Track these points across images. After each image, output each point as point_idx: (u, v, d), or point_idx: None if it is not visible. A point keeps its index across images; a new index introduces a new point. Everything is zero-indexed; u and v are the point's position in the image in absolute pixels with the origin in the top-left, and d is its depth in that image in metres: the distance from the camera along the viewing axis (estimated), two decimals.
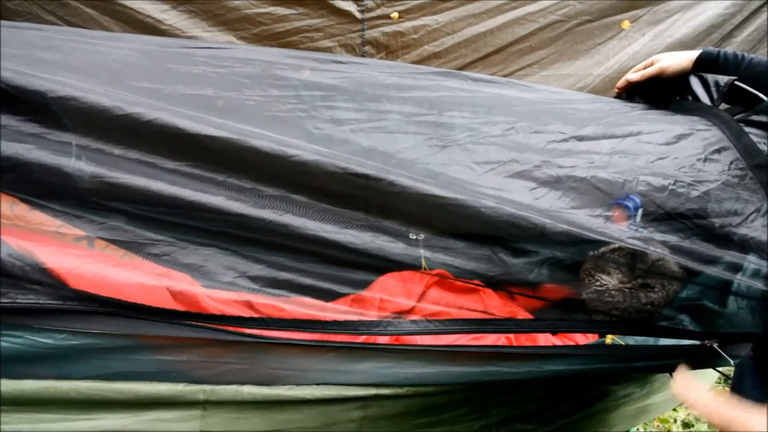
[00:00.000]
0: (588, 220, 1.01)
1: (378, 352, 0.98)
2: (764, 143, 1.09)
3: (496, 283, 1.17)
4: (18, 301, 0.81)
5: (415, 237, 1.08)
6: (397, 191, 0.98)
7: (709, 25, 2.04)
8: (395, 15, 2.00)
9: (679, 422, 2.08)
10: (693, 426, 2.06)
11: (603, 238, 1.02)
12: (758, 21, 2.04)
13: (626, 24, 2.09)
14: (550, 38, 2.08)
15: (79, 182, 0.90)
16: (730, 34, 2.06)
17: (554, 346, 1.13)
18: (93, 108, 0.88)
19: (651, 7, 2.07)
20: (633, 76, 1.30)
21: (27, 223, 0.88)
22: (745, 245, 1.01)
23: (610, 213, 1.05)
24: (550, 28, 2.06)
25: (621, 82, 1.34)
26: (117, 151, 0.92)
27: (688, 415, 2.10)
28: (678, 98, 1.28)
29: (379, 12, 2.00)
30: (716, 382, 1.96)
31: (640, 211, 1.06)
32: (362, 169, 0.97)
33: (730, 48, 1.67)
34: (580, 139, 1.13)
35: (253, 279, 1.01)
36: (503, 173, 1.07)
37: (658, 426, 2.06)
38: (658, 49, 2.04)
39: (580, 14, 2.06)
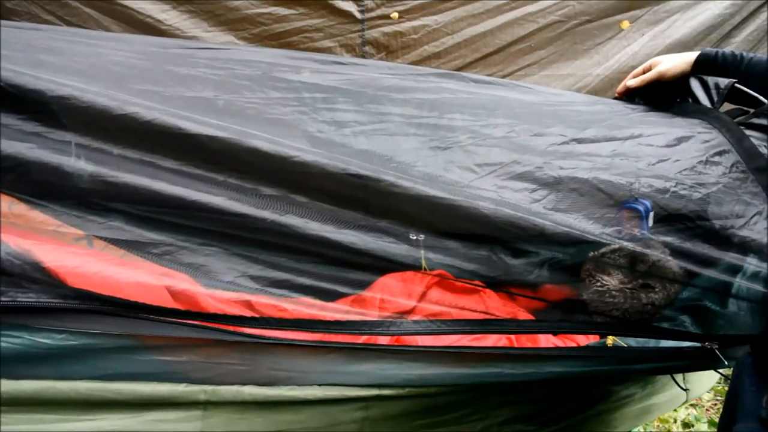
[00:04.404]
0: (588, 221, 1.01)
1: (379, 353, 0.98)
2: (765, 146, 1.10)
3: (497, 284, 1.17)
4: (17, 299, 0.81)
5: (415, 238, 1.08)
6: (397, 192, 0.98)
7: (708, 25, 2.05)
8: (395, 15, 2.00)
9: (679, 422, 2.08)
10: (693, 426, 2.06)
11: (603, 240, 1.02)
12: (757, 21, 2.05)
13: (626, 24, 2.09)
14: (550, 38, 2.08)
15: (79, 182, 0.90)
16: (729, 35, 2.07)
17: (555, 348, 1.13)
18: (91, 107, 0.88)
19: (650, 8, 2.07)
20: (632, 82, 1.30)
21: (26, 221, 0.88)
22: (746, 247, 1.01)
23: (618, 215, 1.05)
24: (550, 28, 2.06)
25: (620, 88, 1.34)
26: (117, 150, 0.92)
27: (688, 415, 2.10)
28: (678, 100, 1.28)
29: (379, 12, 2.00)
30: (717, 382, 1.96)
31: (652, 214, 1.06)
32: (362, 170, 0.97)
33: (729, 48, 1.67)
34: (581, 141, 1.13)
35: (254, 279, 1.01)
36: (505, 175, 1.07)
37: (658, 426, 2.06)
38: (658, 49, 2.04)
39: (579, 14, 2.06)
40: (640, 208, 1.07)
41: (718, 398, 2.20)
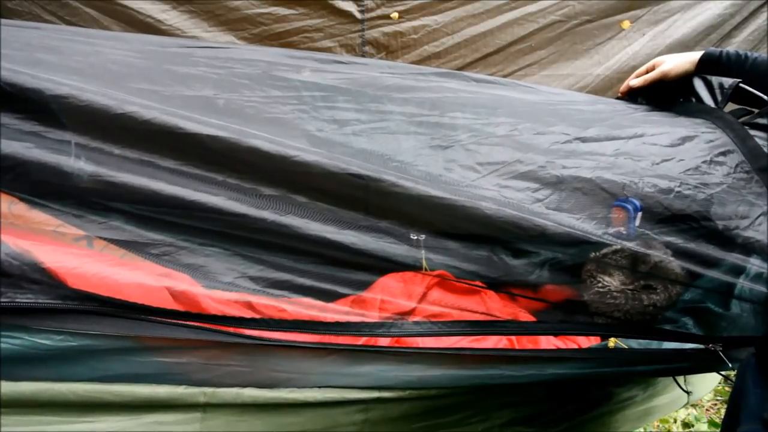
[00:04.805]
0: (591, 221, 1.01)
1: (380, 355, 0.97)
2: None
3: (498, 284, 1.17)
4: (16, 300, 0.80)
5: (416, 238, 1.08)
6: (398, 192, 0.98)
7: (708, 25, 2.05)
8: (395, 15, 2.00)
9: (679, 422, 2.07)
10: (693, 426, 2.06)
11: (605, 241, 1.02)
12: (758, 21, 2.05)
13: (626, 24, 2.09)
14: (550, 38, 2.08)
15: (79, 181, 0.89)
16: (729, 35, 2.07)
17: (557, 350, 1.12)
18: (90, 106, 0.88)
19: (651, 7, 2.07)
20: (635, 81, 1.29)
21: (25, 222, 0.87)
22: (750, 248, 1.01)
23: (610, 214, 1.05)
24: (550, 28, 2.06)
25: (623, 87, 1.34)
26: (116, 150, 0.92)
27: (688, 415, 2.10)
28: (681, 100, 1.27)
29: (379, 12, 2.00)
30: (717, 383, 1.96)
31: (640, 214, 1.06)
32: (363, 170, 0.97)
33: (732, 48, 1.67)
34: (584, 140, 1.13)
35: (254, 279, 1.00)
36: (507, 174, 1.06)
37: (658, 426, 2.06)
38: (658, 49, 2.04)
39: (579, 14, 2.06)
40: (629, 207, 1.07)
41: (718, 398, 2.20)
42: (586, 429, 1.22)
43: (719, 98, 1.19)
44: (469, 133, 1.12)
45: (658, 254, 1.07)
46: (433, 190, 0.99)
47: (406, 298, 1.09)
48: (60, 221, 0.90)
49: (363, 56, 2.03)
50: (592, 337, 1.18)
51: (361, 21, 2.00)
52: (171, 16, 1.92)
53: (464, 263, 1.13)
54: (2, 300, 0.79)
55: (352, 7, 1.98)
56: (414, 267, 1.10)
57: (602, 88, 2.07)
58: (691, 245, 1.01)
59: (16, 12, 1.86)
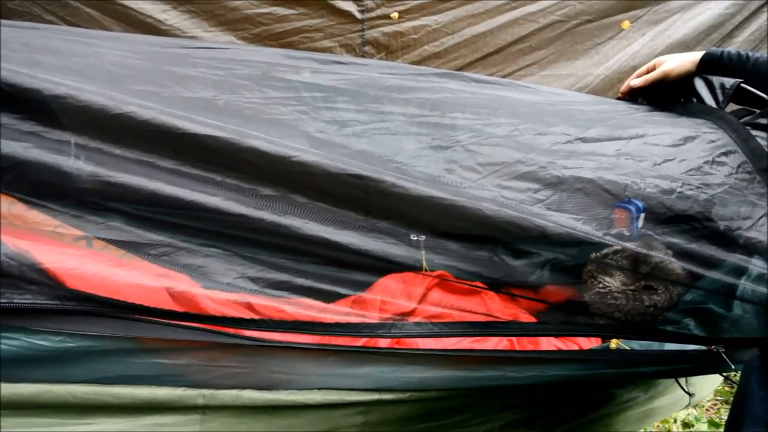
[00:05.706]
0: (593, 222, 1.01)
1: (380, 356, 0.97)
2: None
3: (498, 285, 1.16)
4: (15, 301, 0.80)
5: (416, 238, 1.08)
6: (398, 193, 0.97)
7: (709, 25, 2.04)
8: (395, 15, 2.00)
9: (679, 422, 2.07)
10: (693, 426, 2.06)
11: (606, 242, 1.02)
12: (759, 21, 2.04)
13: (626, 24, 2.08)
14: (550, 38, 2.07)
15: (78, 182, 0.89)
16: (730, 35, 2.06)
17: (558, 351, 1.12)
18: (89, 107, 0.88)
19: (651, 7, 2.06)
20: (636, 81, 1.29)
21: (24, 222, 0.87)
22: (752, 249, 1.01)
23: (613, 216, 1.05)
24: (550, 28, 2.06)
25: (624, 88, 1.34)
26: (115, 150, 0.92)
27: (688, 415, 2.10)
28: (682, 100, 1.27)
29: (379, 12, 2.00)
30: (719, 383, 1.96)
31: (643, 215, 1.06)
32: (362, 171, 0.97)
33: (734, 48, 1.67)
34: (585, 140, 1.13)
35: (253, 280, 1.00)
36: (508, 175, 1.06)
37: (658, 426, 2.05)
38: (658, 49, 2.03)
39: (580, 14, 2.05)
40: (631, 208, 1.07)
41: (719, 398, 2.20)
42: (586, 431, 1.22)
43: (720, 98, 1.19)
44: (470, 133, 1.12)
45: (659, 255, 1.06)
46: (434, 190, 0.99)
47: (407, 299, 1.08)
48: (59, 221, 0.90)
49: (363, 56, 2.02)
50: (593, 338, 1.18)
51: (361, 21, 1.99)
52: (171, 16, 1.92)
53: (465, 264, 1.13)
54: (1, 301, 0.79)
55: (352, 7, 1.98)
56: (414, 268, 1.10)
57: (602, 88, 2.07)
58: (693, 246, 1.01)
59: (16, 12, 1.86)
